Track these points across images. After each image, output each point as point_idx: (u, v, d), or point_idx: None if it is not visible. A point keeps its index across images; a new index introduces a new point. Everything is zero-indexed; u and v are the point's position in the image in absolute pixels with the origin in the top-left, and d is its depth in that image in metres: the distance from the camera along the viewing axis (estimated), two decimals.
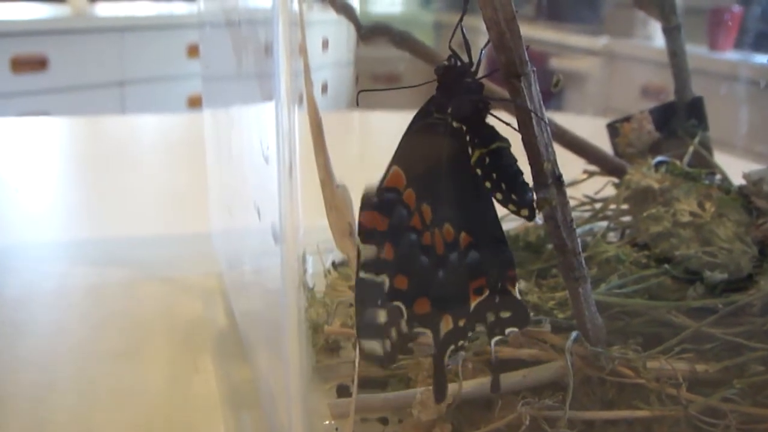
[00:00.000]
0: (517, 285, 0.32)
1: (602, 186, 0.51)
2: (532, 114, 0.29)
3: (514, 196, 0.29)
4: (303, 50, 0.27)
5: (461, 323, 0.31)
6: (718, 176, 0.49)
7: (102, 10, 2.07)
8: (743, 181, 0.44)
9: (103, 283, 0.56)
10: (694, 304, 0.39)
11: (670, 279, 0.41)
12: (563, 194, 0.32)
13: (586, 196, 0.51)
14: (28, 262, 0.60)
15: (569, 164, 0.51)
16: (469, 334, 0.32)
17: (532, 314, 0.40)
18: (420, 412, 0.33)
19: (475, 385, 0.35)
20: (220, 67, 0.42)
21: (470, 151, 0.30)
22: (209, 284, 0.55)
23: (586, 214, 0.52)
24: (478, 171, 0.30)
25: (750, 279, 0.40)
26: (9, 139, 0.97)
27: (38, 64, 1.84)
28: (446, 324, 0.31)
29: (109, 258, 0.61)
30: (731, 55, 1.07)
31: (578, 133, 0.50)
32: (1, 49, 1.80)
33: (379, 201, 0.29)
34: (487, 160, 0.29)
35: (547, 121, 0.30)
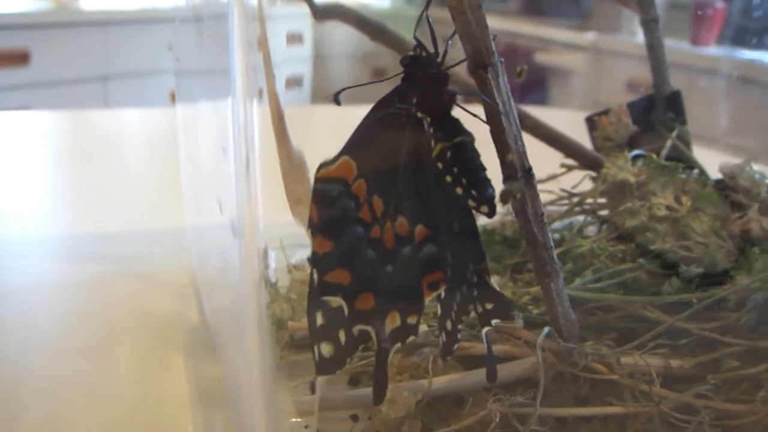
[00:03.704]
0: (492, 277, 0.32)
1: (580, 180, 0.51)
2: (500, 106, 0.29)
3: (474, 192, 0.29)
4: (263, 44, 0.27)
5: (411, 320, 0.30)
6: (696, 170, 0.49)
7: (85, 4, 2.05)
8: (721, 175, 0.44)
9: (77, 279, 0.55)
10: (669, 299, 0.38)
11: (645, 273, 0.41)
12: (533, 187, 0.31)
13: (563, 190, 0.50)
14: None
15: (549, 158, 0.51)
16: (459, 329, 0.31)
17: None
18: (389, 409, 0.32)
19: (445, 381, 0.35)
20: (188, 62, 0.42)
21: (432, 144, 0.29)
22: (183, 280, 0.54)
23: (565, 209, 0.51)
24: (440, 165, 0.29)
25: (726, 274, 0.39)
26: None
27: (20, 58, 1.82)
28: (393, 321, 0.30)
29: (85, 254, 0.60)
30: (713, 50, 1.07)
31: (563, 127, 0.50)
32: None
33: (313, 192, 0.29)
34: (449, 154, 0.29)
35: (515, 113, 0.29)
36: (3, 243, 0.62)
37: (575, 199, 0.50)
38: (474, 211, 0.30)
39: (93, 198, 0.74)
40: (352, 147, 0.30)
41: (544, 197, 0.51)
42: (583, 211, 0.49)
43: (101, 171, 0.83)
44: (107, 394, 0.41)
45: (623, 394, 0.35)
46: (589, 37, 1.69)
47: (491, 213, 0.29)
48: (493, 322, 0.32)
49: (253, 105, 0.25)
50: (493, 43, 0.28)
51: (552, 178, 0.51)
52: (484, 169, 0.29)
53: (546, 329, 0.34)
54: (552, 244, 0.33)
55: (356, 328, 0.30)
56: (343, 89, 0.30)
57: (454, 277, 0.30)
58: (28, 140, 0.96)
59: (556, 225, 0.51)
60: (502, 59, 0.28)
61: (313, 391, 0.37)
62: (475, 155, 0.29)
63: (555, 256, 0.34)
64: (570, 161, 0.51)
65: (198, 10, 0.35)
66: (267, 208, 0.27)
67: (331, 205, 0.29)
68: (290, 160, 0.36)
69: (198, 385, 0.41)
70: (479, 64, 0.28)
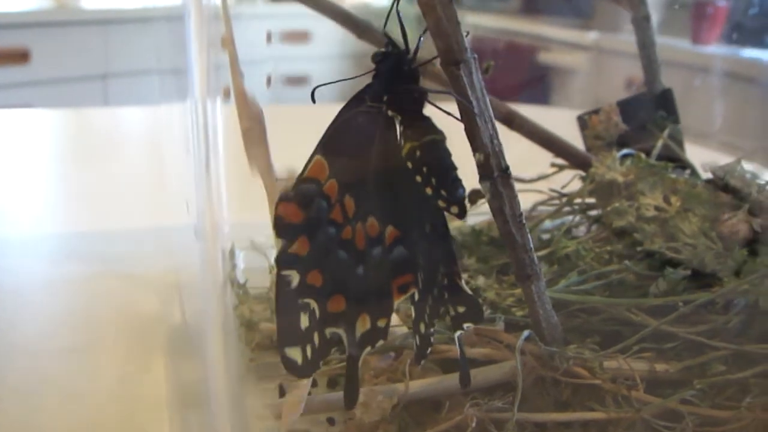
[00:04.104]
0: (463, 279, 0.31)
1: (570, 179, 0.50)
2: (474, 104, 0.28)
3: (443, 192, 0.28)
4: (228, 43, 0.26)
5: (381, 323, 0.29)
6: (687, 170, 0.48)
7: (86, 3, 2.04)
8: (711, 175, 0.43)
9: (66, 278, 0.55)
10: (654, 301, 0.37)
11: (632, 275, 0.40)
12: (510, 188, 0.30)
13: (553, 190, 0.50)
14: None
15: (542, 158, 0.50)
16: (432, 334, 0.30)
17: (488, 311, 0.39)
18: (363, 414, 0.32)
19: (423, 385, 0.34)
20: (165, 61, 0.41)
21: (402, 142, 0.28)
22: (170, 280, 0.53)
23: (557, 209, 0.50)
24: (409, 164, 0.28)
25: (714, 276, 0.39)
26: None
27: (20, 56, 1.82)
28: (363, 323, 0.29)
29: (78, 253, 0.60)
30: (713, 48, 1.06)
31: (563, 126, 0.49)
32: None
33: (296, 192, 0.28)
34: (418, 153, 0.28)
35: (491, 111, 0.28)
36: (6, 242, 0.61)
37: (564, 200, 0.50)
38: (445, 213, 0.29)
39: (91, 196, 0.74)
40: (324, 146, 0.29)
41: (534, 197, 0.51)
42: (573, 212, 0.49)
43: (100, 169, 0.82)
44: (85, 395, 0.41)
45: (605, 399, 0.34)
46: (591, 36, 1.68)
47: (461, 214, 0.28)
48: (466, 325, 0.31)
49: (216, 105, 0.24)
50: (466, 40, 0.27)
51: (543, 177, 0.51)
52: (454, 168, 0.28)
53: (526, 332, 0.34)
54: (531, 245, 0.32)
55: (328, 331, 0.29)
56: (318, 86, 0.30)
57: (426, 279, 0.30)
58: (27, 138, 0.95)
59: (547, 225, 0.51)
60: (476, 55, 0.27)
61: (281, 394, 0.36)
62: (446, 155, 0.28)
63: (535, 258, 0.33)
64: (560, 161, 0.50)
65: (170, 10, 0.35)
66: (239, 208, 0.26)
67: (306, 206, 0.28)
68: (268, 161, 0.35)
69: (177, 386, 0.41)
70: (451, 60, 0.27)
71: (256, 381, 0.36)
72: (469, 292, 0.31)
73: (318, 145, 0.29)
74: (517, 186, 0.51)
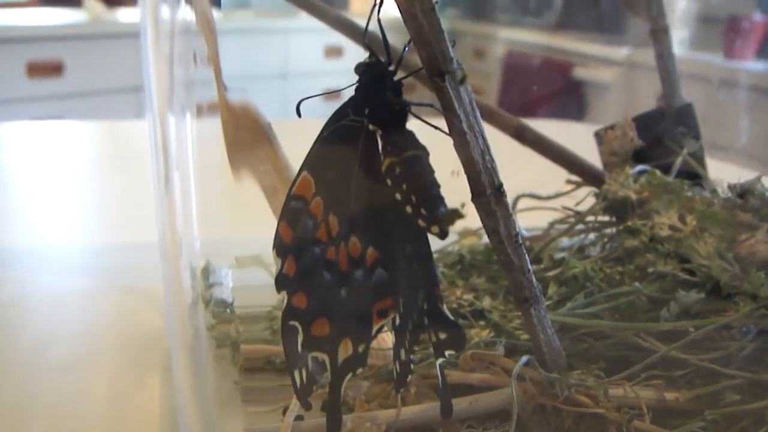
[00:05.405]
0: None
1: (584, 196, 0.48)
2: (462, 117, 0.26)
3: (423, 211, 0.26)
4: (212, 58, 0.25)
5: (361, 348, 0.28)
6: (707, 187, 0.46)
7: (123, 16, 2.06)
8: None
9: (68, 291, 0.54)
10: (664, 326, 0.35)
11: (644, 298, 0.38)
12: (504, 206, 0.29)
13: (566, 208, 0.48)
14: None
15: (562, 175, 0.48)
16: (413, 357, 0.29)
17: (491, 334, 0.38)
18: None
19: (417, 411, 0.33)
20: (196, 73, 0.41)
21: (382, 158, 0.27)
22: None
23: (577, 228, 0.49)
24: (389, 181, 0.27)
25: (730, 299, 0.37)
26: (17, 142, 0.96)
27: (54, 69, 1.85)
28: (345, 349, 0.28)
29: (86, 265, 0.59)
30: (752, 64, 1.04)
31: (590, 142, 0.48)
32: (18, 54, 1.81)
33: (285, 210, 0.27)
34: (398, 169, 0.27)
35: (481, 125, 0.27)
36: (26, 253, 0.61)
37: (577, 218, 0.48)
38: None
39: (117, 209, 0.73)
40: (310, 162, 0.28)
41: (552, 216, 0.49)
42: (586, 230, 0.47)
43: (129, 182, 0.82)
44: (76, 412, 0.40)
45: (609, 429, 0.32)
46: (623, 51, 1.65)
47: (442, 234, 0.26)
48: (447, 353, 0.30)
49: (186, 120, 0.23)
50: (451, 49, 0.26)
51: (560, 195, 0.49)
52: (437, 186, 0.26)
53: (524, 358, 0.32)
54: (530, 267, 0.31)
55: (312, 355, 0.28)
56: (304, 99, 0.29)
57: (406, 303, 0.28)
58: (59, 150, 0.96)
59: (565, 244, 0.49)
60: (463, 66, 0.26)
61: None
62: (428, 171, 0.27)
63: (534, 280, 0.31)
64: (575, 177, 0.48)
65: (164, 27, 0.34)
66: (228, 225, 0.25)
67: (294, 225, 0.28)
68: (280, 177, 0.34)
69: (171, 405, 0.40)
70: (435, 71, 0.26)
71: (241, 404, 0.35)
72: (451, 317, 0.29)
73: (305, 161, 0.28)
74: (534, 203, 0.50)
